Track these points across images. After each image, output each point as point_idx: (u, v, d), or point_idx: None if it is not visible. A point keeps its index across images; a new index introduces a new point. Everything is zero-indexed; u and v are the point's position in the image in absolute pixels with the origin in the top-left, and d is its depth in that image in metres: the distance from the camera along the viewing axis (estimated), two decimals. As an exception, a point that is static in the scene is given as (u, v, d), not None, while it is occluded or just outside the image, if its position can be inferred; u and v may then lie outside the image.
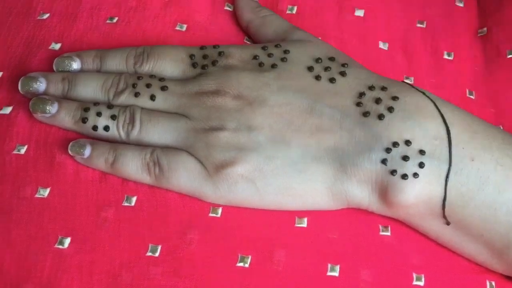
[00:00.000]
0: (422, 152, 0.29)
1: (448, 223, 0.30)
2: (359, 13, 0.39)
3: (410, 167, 0.29)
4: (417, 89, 0.31)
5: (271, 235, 0.30)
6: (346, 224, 0.31)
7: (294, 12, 0.39)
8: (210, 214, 0.31)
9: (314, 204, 0.31)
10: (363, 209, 0.31)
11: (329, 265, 0.30)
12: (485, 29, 0.39)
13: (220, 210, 0.31)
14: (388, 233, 0.31)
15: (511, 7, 0.39)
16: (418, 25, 0.39)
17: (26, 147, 0.32)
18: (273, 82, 0.31)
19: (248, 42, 0.38)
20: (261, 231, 0.30)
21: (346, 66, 0.32)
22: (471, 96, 0.37)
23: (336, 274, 0.30)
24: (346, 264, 0.30)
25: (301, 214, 0.31)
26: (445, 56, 0.38)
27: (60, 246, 0.29)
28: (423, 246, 0.31)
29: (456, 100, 0.36)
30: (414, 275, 0.30)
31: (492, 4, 0.40)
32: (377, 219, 0.31)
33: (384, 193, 0.30)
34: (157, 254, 0.29)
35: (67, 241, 0.29)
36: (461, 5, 0.41)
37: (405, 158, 0.29)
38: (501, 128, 0.36)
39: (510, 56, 0.38)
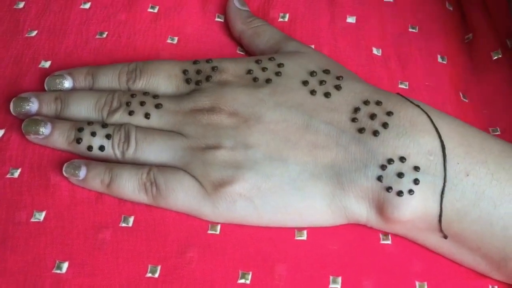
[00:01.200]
0: (417, 168, 0.29)
1: (445, 237, 0.30)
2: (351, 20, 0.39)
3: (405, 184, 0.29)
4: (412, 102, 0.31)
5: (271, 250, 0.30)
6: (346, 235, 0.31)
7: (286, 19, 0.38)
8: (209, 231, 0.30)
9: (313, 221, 0.31)
10: (362, 224, 0.31)
11: (331, 277, 0.30)
12: (470, 35, 0.39)
13: (219, 227, 0.31)
14: (389, 242, 0.31)
15: (491, 12, 0.39)
16: (411, 29, 0.39)
17: (19, 170, 0.31)
18: (268, 98, 0.31)
19: (241, 53, 0.37)
20: (261, 246, 0.30)
21: (341, 79, 0.32)
22: (465, 100, 0.37)
23: (338, 286, 0.29)
24: (348, 275, 0.30)
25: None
26: (439, 60, 0.38)
27: (58, 271, 0.29)
28: (424, 253, 0.31)
29: (451, 103, 0.36)
30: (417, 283, 0.30)
31: (474, 10, 0.40)
32: (377, 228, 0.31)
33: (380, 209, 0.30)
34: (156, 275, 0.29)
35: (65, 265, 0.29)
36: (451, 8, 0.41)
37: (400, 175, 0.29)
38: (498, 131, 0.36)
39: (496, 57, 0.38)
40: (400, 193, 0.29)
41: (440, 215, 0.29)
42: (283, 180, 0.30)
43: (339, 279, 0.30)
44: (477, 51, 0.38)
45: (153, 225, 0.30)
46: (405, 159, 0.29)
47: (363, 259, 0.30)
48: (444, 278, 0.31)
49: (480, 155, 0.29)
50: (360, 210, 0.30)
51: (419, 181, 0.29)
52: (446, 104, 0.36)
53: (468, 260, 0.31)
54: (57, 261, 0.29)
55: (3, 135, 0.32)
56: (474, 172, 0.29)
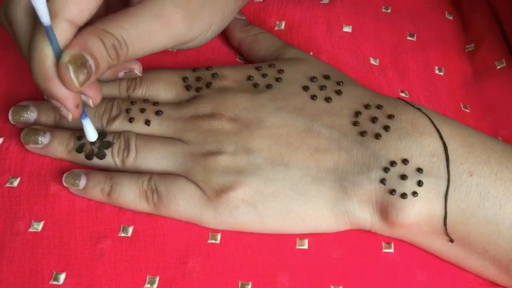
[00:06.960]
0: (420, 170, 0.29)
1: (451, 241, 0.29)
2: (347, 29, 0.39)
3: (408, 186, 0.29)
4: (412, 105, 0.31)
5: (272, 259, 0.30)
6: (348, 243, 0.31)
7: (282, 27, 0.38)
8: (209, 241, 0.30)
9: (317, 226, 0.30)
10: (366, 230, 0.31)
11: (332, 287, 0.29)
12: (472, 45, 0.39)
13: (219, 236, 0.30)
14: (391, 250, 0.31)
15: (495, 22, 0.39)
16: (409, 38, 0.39)
17: (19, 179, 0.31)
18: (269, 103, 0.31)
19: (240, 61, 0.37)
20: (262, 256, 0.30)
21: (341, 84, 0.32)
22: (466, 110, 0.37)
23: (339, 296, 0.29)
24: (350, 284, 0.29)
25: (302, 235, 0.31)
26: (436, 71, 0.38)
27: (55, 282, 0.28)
28: (427, 261, 0.31)
29: (451, 113, 0.36)
30: (420, 293, 0.30)
31: (477, 20, 0.40)
32: (379, 236, 0.31)
33: (385, 213, 0.29)
34: (155, 286, 0.29)
35: (62, 276, 0.29)
36: (451, 18, 0.41)
37: (403, 177, 0.29)
38: (500, 139, 0.35)
39: (500, 67, 0.38)
40: (403, 196, 0.29)
41: (445, 217, 0.29)
42: (286, 185, 0.30)
43: (340, 289, 0.29)
44: (480, 60, 0.38)
45: (152, 235, 0.30)
46: (407, 161, 0.29)
47: (365, 268, 0.30)
48: (447, 287, 0.30)
49: (482, 155, 0.29)
50: (364, 215, 0.30)
51: (422, 182, 0.29)
52: (447, 114, 0.36)
53: (476, 265, 0.30)
54: (54, 272, 0.29)
55: (2, 144, 0.32)
56: (478, 172, 0.29)
